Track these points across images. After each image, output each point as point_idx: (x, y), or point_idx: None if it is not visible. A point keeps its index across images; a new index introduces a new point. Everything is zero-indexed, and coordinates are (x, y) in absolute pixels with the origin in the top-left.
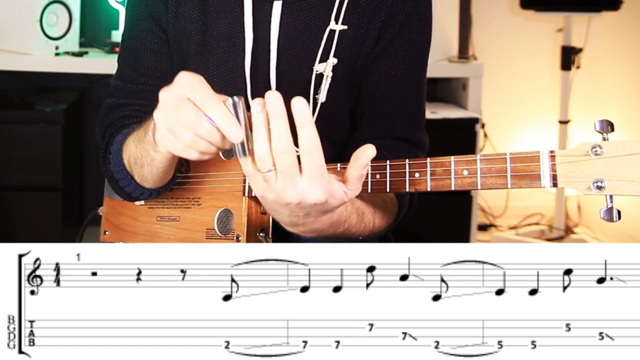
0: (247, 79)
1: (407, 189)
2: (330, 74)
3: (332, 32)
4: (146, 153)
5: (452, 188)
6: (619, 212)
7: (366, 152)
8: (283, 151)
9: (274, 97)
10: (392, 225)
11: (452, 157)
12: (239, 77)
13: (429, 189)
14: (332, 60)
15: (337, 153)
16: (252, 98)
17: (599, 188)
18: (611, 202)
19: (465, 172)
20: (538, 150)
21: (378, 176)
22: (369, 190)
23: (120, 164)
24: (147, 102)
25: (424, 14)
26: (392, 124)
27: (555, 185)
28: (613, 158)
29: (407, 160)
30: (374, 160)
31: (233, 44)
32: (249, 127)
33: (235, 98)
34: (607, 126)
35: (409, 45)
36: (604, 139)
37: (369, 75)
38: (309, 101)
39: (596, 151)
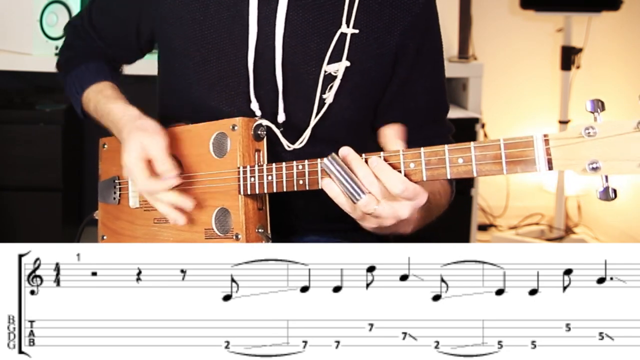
0: (250, 73)
1: None
2: (341, 76)
3: (343, 34)
4: (105, 119)
5: (448, 177)
6: (614, 190)
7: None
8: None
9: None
10: (448, 203)
11: (446, 146)
12: (241, 70)
13: (424, 179)
14: (345, 63)
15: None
16: (255, 93)
17: (594, 169)
18: (607, 182)
19: (460, 160)
20: (532, 135)
21: None
22: None
23: (76, 96)
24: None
25: (435, 17)
26: (428, 131)
27: (550, 168)
28: (606, 138)
29: (400, 151)
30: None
31: (234, 36)
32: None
33: (328, 158)
34: (598, 105)
35: (434, 52)
36: (596, 119)
37: (404, 86)
38: (315, 100)
39: (589, 132)
